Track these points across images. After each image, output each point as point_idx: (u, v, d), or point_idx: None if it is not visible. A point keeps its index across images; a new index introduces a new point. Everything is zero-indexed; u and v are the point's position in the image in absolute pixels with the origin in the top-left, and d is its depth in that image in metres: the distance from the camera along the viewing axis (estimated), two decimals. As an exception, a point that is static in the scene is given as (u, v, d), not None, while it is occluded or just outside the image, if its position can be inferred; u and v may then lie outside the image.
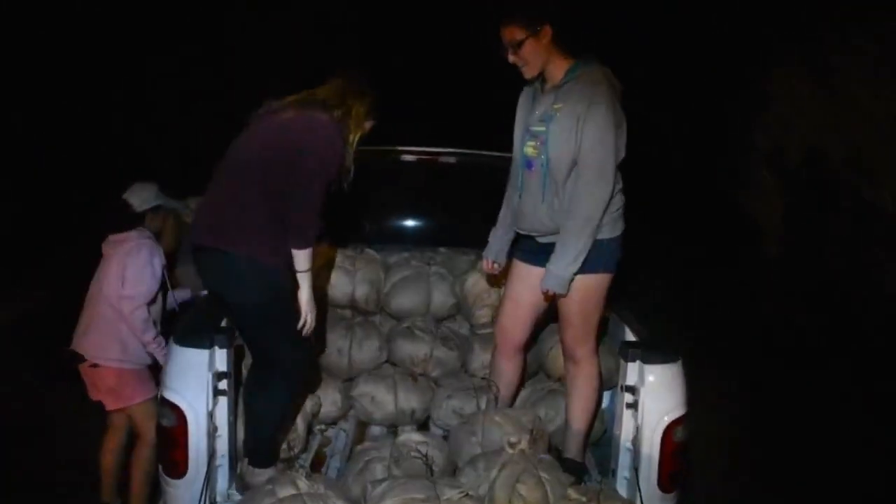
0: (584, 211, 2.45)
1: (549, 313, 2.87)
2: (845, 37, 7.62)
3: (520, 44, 2.47)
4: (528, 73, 2.55)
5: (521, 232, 2.74)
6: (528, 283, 2.72)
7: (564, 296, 2.56)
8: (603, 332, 3.32)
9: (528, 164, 2.60)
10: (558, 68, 2.53)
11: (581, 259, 2.47)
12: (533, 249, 2.70)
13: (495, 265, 2.92)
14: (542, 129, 2.52)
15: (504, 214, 2.88)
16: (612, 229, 2.56)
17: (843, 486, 3.98)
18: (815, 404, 5.03)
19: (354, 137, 2.51)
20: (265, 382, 2.58)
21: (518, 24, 2.46)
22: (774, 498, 3.91)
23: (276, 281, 2.43)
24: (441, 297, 3.27)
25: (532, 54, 2.49)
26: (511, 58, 2.53)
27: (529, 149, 2.59)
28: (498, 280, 3.13)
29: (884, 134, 7.42)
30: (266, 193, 2.38)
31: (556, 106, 2.49)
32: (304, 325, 2.50)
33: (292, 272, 2.47)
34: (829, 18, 7.63)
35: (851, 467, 4.16)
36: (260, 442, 2.59)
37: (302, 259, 2.46)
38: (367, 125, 2.56)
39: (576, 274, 2.51)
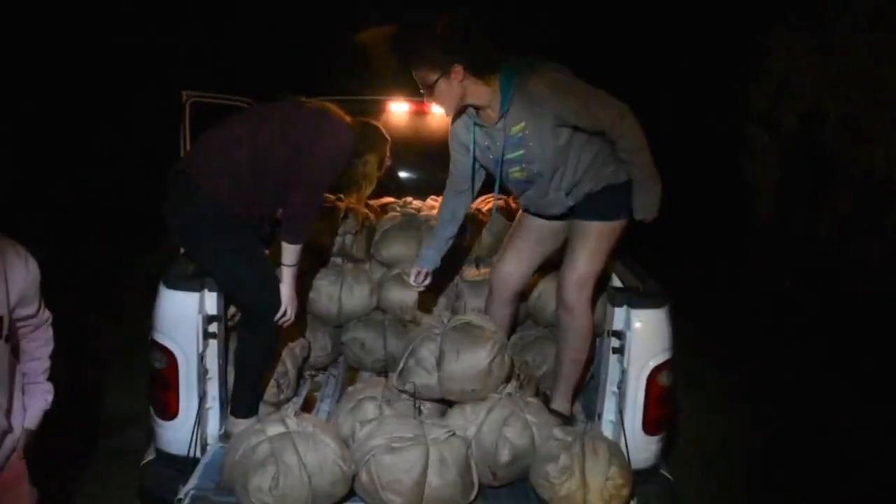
0: (637, 145, 2.40)
1: (544, 264, 2.86)
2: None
3: (432, 85, 2.35)
4: (447, 111, 2.46)
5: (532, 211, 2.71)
6: (539, 234, 2.72)
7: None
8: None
9: (526, 182, 2.55)
10: (482, 95, 2.38)
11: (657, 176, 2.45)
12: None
13: (428, 277, 2.80)
14: (521, 152, 2.45)
15: (442, 228, 2.76)
16: (620, 173, 2.48)
17: (843, 484, 3.87)
18: (813, 401, 4.85)
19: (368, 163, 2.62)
20: (242, 330, 2.59)
21: (428, 66, 2.33)
22: (774, 496, 3.80)
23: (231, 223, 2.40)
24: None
25: (447, 93, 2.36)
26: (426, 98, 2.42)
27: (517, 174, 2.52)
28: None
29: (880, 96, 7.39)
30: (264, 168, 2.37)
31: (515, 129, 2.40)
32: (282, 316, 2.49)
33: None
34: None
35: (850, 464, 4.04)
36: (239, 391, 2.57)
37: (290, 253, 2.46)
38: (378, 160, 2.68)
39: (594, 220, 2.51)
